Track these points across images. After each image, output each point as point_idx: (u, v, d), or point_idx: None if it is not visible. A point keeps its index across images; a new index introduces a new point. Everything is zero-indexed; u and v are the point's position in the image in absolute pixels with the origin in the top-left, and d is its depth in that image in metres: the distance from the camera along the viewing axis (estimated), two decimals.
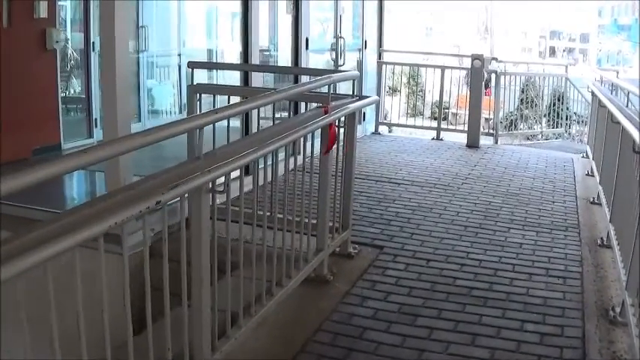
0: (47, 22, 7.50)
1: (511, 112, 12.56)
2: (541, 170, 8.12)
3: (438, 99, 10.64)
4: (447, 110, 14.79)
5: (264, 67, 7.46)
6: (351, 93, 4.98)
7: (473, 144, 9.39)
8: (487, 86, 10.19)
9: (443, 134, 10.12)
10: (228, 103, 4.96)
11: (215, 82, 8.69)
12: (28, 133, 7.31)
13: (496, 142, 10.20)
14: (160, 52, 9.86)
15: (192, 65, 5.32)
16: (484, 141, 9.85)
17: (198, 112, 5.13)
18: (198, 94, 5.23)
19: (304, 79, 6.33)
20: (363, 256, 5.04)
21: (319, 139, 4.32)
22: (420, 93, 14.26)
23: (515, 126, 12.74)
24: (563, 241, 5.45)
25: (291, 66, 7.87)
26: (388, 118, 11.76)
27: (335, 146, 4.55)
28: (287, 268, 4.00)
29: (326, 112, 4.15)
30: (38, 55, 7.45)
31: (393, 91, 13.17)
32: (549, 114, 12.74)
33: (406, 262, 4.94)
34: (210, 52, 10.88)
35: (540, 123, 13.11)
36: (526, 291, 4.46)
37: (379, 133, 10.40)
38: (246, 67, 6.61)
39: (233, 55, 9.62)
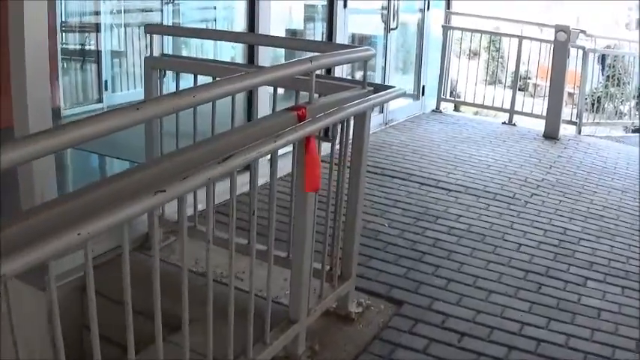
0: None
1: (596, 89, 10.57)
2: (632, 179, 6.30)
3: (514, 72, 8.76)
4: (528, 80, 12.93)
5: (221, 34, 5.49)
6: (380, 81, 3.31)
7: (551, 134, 7.59)
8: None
9: (516, 118, 8.31)
10: (195, 84, 3.46)
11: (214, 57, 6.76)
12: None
13: (579, 133, 8.32)
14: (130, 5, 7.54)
15: (151, 30, 3.75)
16: (565, 130, 8.00)
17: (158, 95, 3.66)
18: (160, 71, 3.71)
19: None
20: (370, 318, 3.44)
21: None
22: (500, 60, 12.46)
23: (600, 103, 10.72)
24: None
25: (285, 36, 6.13)
26: (457, 91, 9.90)
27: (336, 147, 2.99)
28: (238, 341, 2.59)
29: (301, 118, 2.54)
30: None
31: (470, 55, 11.39)
32: None
33: (430, 334, 3.33)
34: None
35: (629, 103, 11.09)
36: None
37: (440, 112, 8.67)
38: (211, 33, 4.98)
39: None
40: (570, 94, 9.19)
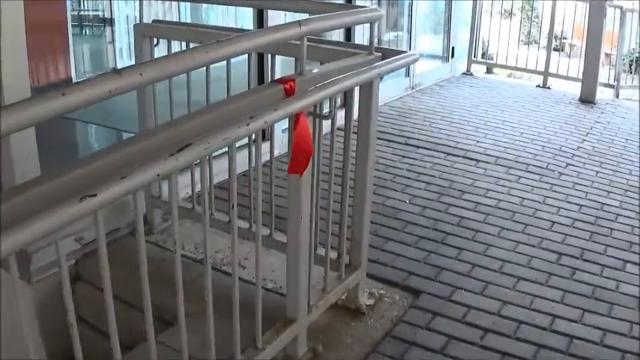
0: None
1: (633, 49, 9.93)
2: None
3: (548, 32, 8.20)
4: (564, 40, 12.31)
5: None
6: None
7: (587, 99, 7.09)
8: None
9: (551, 81, 7.80)
10: None
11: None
12: None
13: (617, 96, 7.77)
14: None
15: None
16: (602, 94, 7.47)
17: None
18: (151, 39, 3.35)
19: None
20: (382, 311, 3.08)
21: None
22: (536, 19, 11.86)
23: (639, 65, 10.08)
24: None
25: None
26: (489, 53, 9.36)
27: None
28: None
29: (289, 93, 2.16)
30: None
31: (502, 14, 10.80)
32: None
33: (449, 330, 2.96)
34: None
35: None
36: None
37: (471, 74, 8.20)
38: None
39: None
40: (607, 55, 8.62)
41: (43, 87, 5.15)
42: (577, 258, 3.64)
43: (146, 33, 3.32)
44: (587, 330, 3.00)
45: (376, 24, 2.64)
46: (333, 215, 2.85)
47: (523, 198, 4.41)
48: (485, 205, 4.27)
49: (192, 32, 3.20)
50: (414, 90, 7.18)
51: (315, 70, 2.35)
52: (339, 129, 2.67)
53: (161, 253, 3.49)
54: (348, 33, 5.82)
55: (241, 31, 3.05)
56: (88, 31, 6.74)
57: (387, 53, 2.74)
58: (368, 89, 2.69)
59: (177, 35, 3.29)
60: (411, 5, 7.18)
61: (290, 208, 2.48)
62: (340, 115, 2.66)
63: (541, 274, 3.44)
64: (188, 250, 3.54)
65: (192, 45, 3.15)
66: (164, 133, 1.81)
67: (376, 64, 2.58)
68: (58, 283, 3.39)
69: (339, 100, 2.72)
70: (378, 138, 5.51)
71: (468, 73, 8.20)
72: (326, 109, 2.50)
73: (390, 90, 6.68)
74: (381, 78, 2.80)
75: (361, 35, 6.04)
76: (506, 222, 4.04)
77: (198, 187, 3.73)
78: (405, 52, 2.80)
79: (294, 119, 2.16)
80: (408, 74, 7.13)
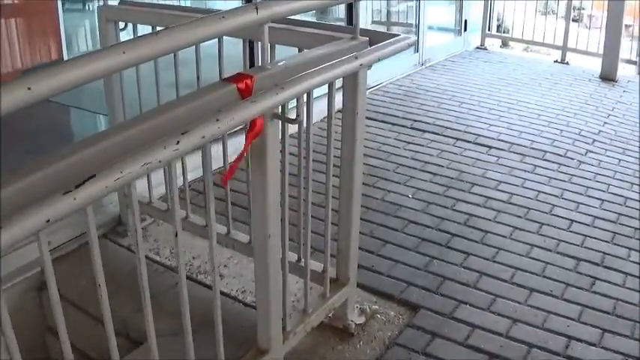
0: None
1: None
2: None
3: (567, 3, 7.67)
4: (582, 10, 11.76)
5: None
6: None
7: (608, 76, 6.59)
8: None
9: (570, 56, 7.30)
10: None
11: None
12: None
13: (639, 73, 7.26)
14: None
15: None
16: (623, 70, 6.94)
17: None
18: (116, 23, 2.95)
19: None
20: (374, 331, 2.70)
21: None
22: None
23: None
24: None
25: None
26: (504, 26, 8.82)
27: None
28: None
29: (245, 93, 1.75)
30: None
31: None
32: None
33: (449, 355, 2.58)
34: None
35: None
36: None
37: (485, 49, 7.71)
38: None
39: None
40: (627, 27, 8.06)
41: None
42: (597, 265, 3.22)
43: (110, 16, 2.91)
44: (607, 355, 2.59)
45: (358, 3, 2.20)
46: (318, 223, 2.46)
47: (539, 191, 3.99)
48: (496, 199, 3.86)
49: (158, 15, 2.77)
50: (423, 66, 6.73)
51: (281, 63, 1.93)
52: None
53: (134, 260, 3.11)
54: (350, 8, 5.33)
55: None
56: (78, 9, 6.31)
57: (375, 37, 2.31)
58: (352, 81, 2.28)
59: (141, 19, 2.88)
60: None
61: (253, 217, 2.09)
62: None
63: (557, 285, 3.03)
64: (163, 255, 3.18)
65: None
66: (70, 158, 1.40)
67: (360, 52, 2.15)
68: (24, 290, 3.07)
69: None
70: (381, 121, 5.13)
71: (481, 47, 7.72)
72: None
73: (396, 67, 6.23)
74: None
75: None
76: (520, 220, 3.63)
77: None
78: (396, 35, 2.36)
79: (249, 125, 1.75)
80: (417, 49, 6.67)
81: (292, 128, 2.16)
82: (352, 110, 2.31)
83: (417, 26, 6.71)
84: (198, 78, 2.73)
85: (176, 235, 1.68)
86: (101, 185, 1.26)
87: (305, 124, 2.22)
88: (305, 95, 2.00)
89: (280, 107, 1.87)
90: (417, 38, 6.66)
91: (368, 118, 5.16)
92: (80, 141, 1.43)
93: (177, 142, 1.41)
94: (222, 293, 2.78)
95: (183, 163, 2.97)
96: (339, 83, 2.24)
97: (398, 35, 2.34)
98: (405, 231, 3.46)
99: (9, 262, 2.84)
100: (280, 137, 1.95)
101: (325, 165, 2.39)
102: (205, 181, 1.79)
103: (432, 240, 3.38)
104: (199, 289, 2.87)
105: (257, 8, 1.70)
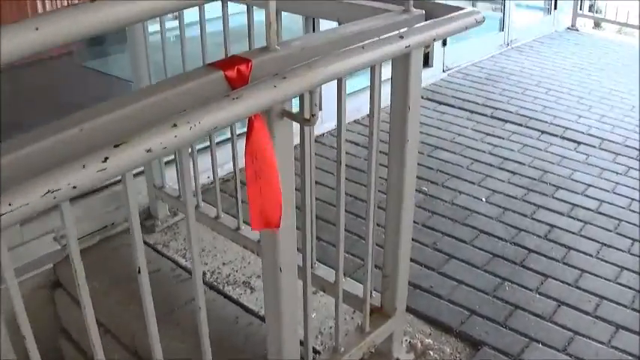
0: None
1: None
2: None
3: None
4: None
5: None
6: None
7: None
8: None
9: None
10: None
11: None
12: None
13: None
14: None
15: None
16: None
17: None
18: None
19: None
20: None
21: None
22: None
23: None
24: None
25: None
26: (597, 5, 8.07)
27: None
28: None
29: (237, 83, 1.31)
30: None
31: None
32: None
33: None
34: None
35: None
36: None
37: (577, 30, 7.02)
38: None
39: None
40: None
41: None
42: None
43: None
44: None
45: None
46: (361, 244, 2.02)
47: (632, 199, 3.44)
48: (583, 208, 3.33)
49: None
50: (509, 47, 6.14)
51: (297, 43, 1.47)
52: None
53: (157, 262, 2.76)
54: None
55: None
56: None
57: (433, 10, 1.82)
58: (402, 67, 1.79)
59: None
60: None
61: (264, 244, 1.67)
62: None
63: None
64: (189, 258, 2.79)
65: None
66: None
67: (409, 29, 1.66)
68: (33, 289, 2.76)
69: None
70: (459, 108, 4.61)
71: (572, 28, 7.04)
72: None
73: (479, 47, 5.68)
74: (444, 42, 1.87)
75: None
76: (609, 235, 3.10)
77: (204, 178, 2.99)
78: (460, 8, 1.86)
79: (248, 127, 1.31)
80: (502, 28, 6.09)
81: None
82: (402, 101, 1.82)
83: (503, 2, 6.11)
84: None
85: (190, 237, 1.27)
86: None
87: (337, 124, 1.75)
88: (336, 86, 1.55)
89: (290, 101, 1.41)
90: (502, 15, 6.10)
91: (443, 103, 4.68)
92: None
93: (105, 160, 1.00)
94: (248, 311, 2.42)
95: (213, 157, 2.59)
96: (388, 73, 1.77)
97: (462, 9, 1.84)
98: (475, 243, 2.98)
99: (17, 256, 2.55)
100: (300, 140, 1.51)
101: (366, 172, 1.94)
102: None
103: (505, 256, 2.89)
104: (224, 304, 2.49)
105: None
